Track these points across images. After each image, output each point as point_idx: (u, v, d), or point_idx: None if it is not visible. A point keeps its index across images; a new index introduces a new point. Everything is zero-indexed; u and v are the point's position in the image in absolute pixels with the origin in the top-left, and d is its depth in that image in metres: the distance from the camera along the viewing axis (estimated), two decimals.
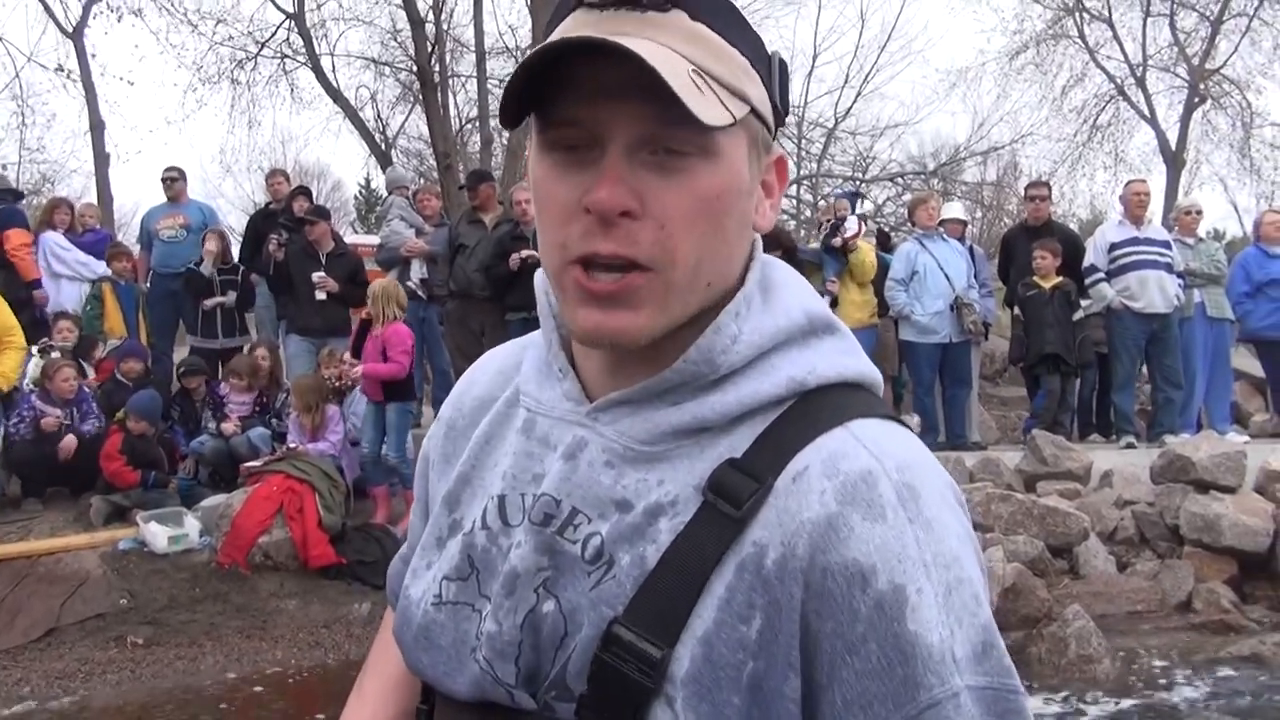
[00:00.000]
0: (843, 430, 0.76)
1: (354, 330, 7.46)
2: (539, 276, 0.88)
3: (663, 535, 0.75)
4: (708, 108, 0.70)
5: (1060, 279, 7.70)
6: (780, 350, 0.80)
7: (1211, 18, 19.23)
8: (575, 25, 0.74)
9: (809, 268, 7.87)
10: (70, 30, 16.44)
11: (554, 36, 0.73)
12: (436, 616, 0.85)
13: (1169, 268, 7.71)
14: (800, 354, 0.80)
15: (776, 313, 0.81)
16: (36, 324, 8.06)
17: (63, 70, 16.63)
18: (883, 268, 8.21)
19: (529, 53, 0.72)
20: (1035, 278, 7.76)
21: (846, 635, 0.69)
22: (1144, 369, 8.20)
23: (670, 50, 0.72)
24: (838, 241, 7.92)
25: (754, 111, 0.77)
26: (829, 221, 8.25)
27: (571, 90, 0.72)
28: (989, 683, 0.70)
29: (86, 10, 16.23)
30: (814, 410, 0.78)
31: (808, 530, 0.72)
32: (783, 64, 0.81)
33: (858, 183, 19.12)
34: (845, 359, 0.82)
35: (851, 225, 7.99)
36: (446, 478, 0.92)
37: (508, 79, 0.74)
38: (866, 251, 8.07)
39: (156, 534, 6.35)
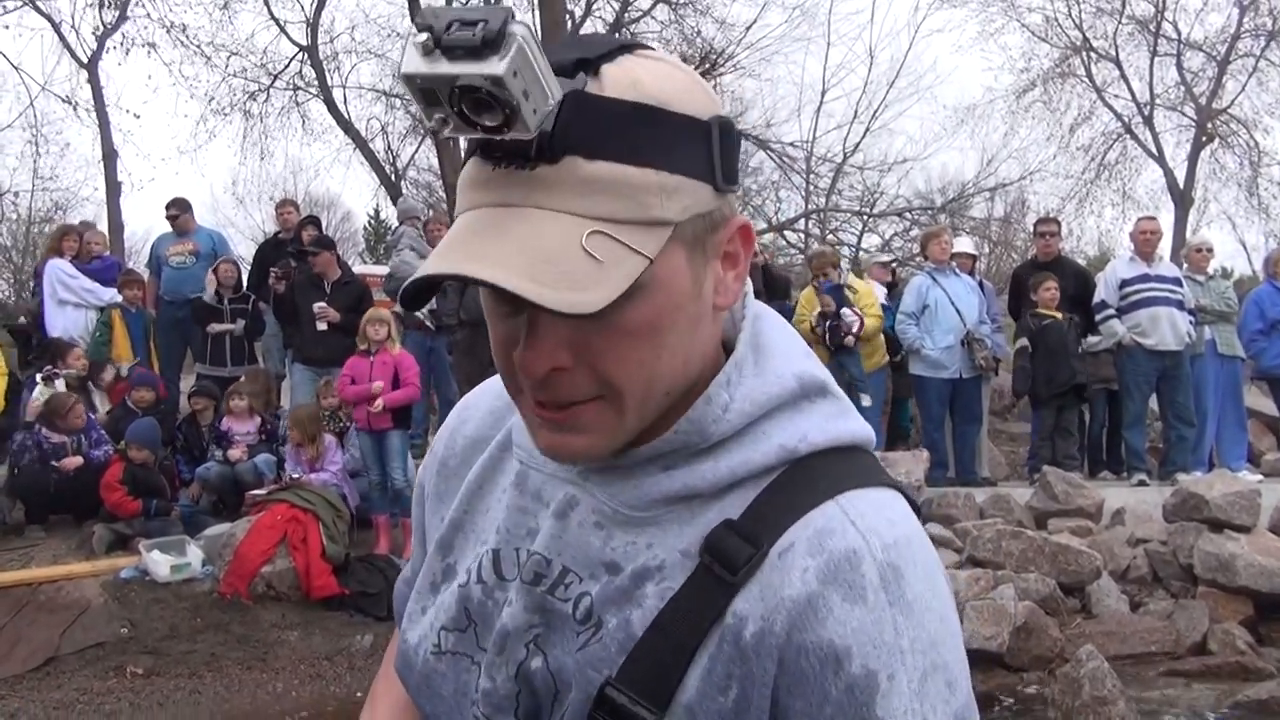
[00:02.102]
0: (833, 505, 0.75)
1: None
2: None
3: (649, 600, 0.75)
4: (598, 287, 0.66)
5: (1060, 312, 7.68)
6: (771, 417, 0.79)
7: (1218, 58, 19.35)
8: (469, 184, 0.72)
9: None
10: (85, 61, 16.62)
11: (452, 225, 0.73)
12: (437, 666, 0.86)
13: (1180, 304, 7.68)
14: (792, 420, 0.79)
15: (768, 378, 0.79)
16: (42, 352, 8.06)
17: (79, 105, 16.82)
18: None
19: (416, 274, 0.71)
20: (1041, 309, 7.73)
21: (815, 715, 0.70)
22: (1155, 406, 8.15)
23: (563, 215, 0.68)
24: (850, 341, 7.65)
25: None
26: (817, 282, 8.06)
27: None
28: None
29: (101, 42, 16.44)
30: (806, 478, 0.77)
31: (787, 607, 0.71)
32: (725, 126, 0.74)
33: (860, 234, 19.16)
34: (838, 423, 0.81)
35: (850, 318, 7.73)
36: (439, 516, 0.93)
37: (405, 286, 0.73)
38: (870, 301, 8.00)
39: (159, 562, 6.30)
